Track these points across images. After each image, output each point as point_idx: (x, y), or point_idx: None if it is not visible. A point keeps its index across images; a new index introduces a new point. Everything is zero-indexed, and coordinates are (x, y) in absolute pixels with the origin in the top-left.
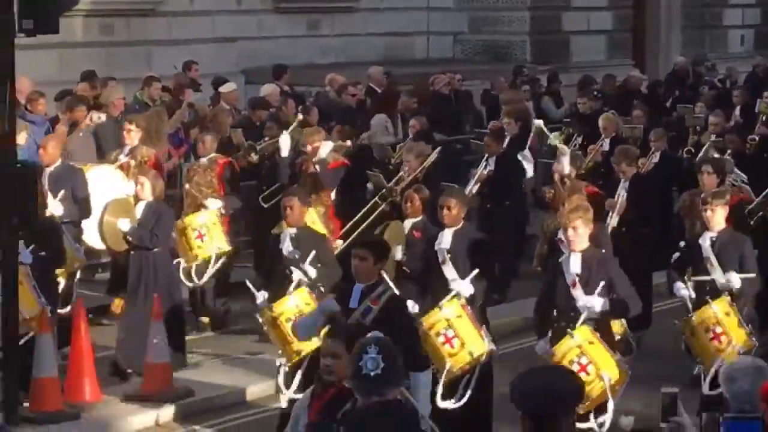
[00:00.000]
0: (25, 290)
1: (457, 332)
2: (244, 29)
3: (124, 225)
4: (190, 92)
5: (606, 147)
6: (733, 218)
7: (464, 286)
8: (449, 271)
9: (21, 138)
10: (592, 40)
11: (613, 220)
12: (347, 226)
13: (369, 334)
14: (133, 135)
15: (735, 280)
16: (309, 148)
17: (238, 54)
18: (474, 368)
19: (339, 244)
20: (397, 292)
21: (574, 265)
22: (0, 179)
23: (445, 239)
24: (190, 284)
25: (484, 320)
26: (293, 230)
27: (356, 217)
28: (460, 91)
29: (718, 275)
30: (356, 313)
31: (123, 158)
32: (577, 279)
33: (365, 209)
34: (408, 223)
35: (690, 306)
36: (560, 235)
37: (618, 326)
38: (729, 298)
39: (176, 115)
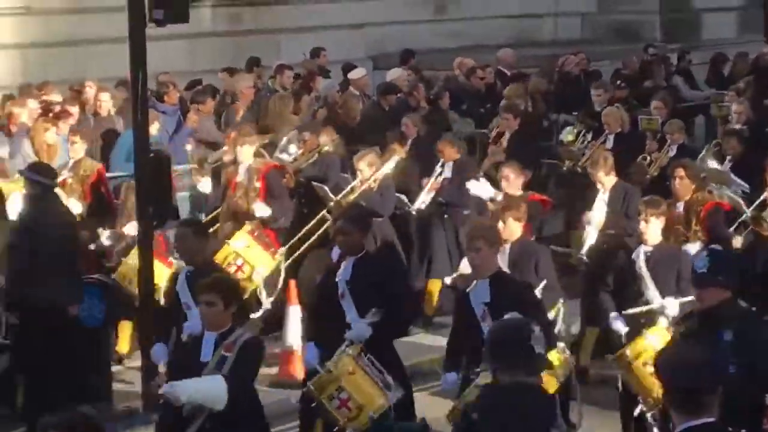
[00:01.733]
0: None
1: (351, 394)
2: (371, 15)
3: None
4: (320, 79)
5: (610, 144)
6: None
7: (360, 329)
8: (348, 307)
9: (153, 128)
10: (723, 17)
11: (590, 237)
12: (292, 241)
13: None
14: (77, 147)
15: (671, 306)
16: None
17: (365, 40)
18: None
19: (278, 259)
20: (251, 335)
21: (482, 293)
22: (136, 167)
23: (345, 270)
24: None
25: (392, 362)
26: None
27: (301, 233)
28: (589, 71)
29: (652, 297)
30: (210, 367)
31: (65, 173)
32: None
33: (310, 224)
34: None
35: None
36: None
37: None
38: (667, 324)
39: (304, 104)
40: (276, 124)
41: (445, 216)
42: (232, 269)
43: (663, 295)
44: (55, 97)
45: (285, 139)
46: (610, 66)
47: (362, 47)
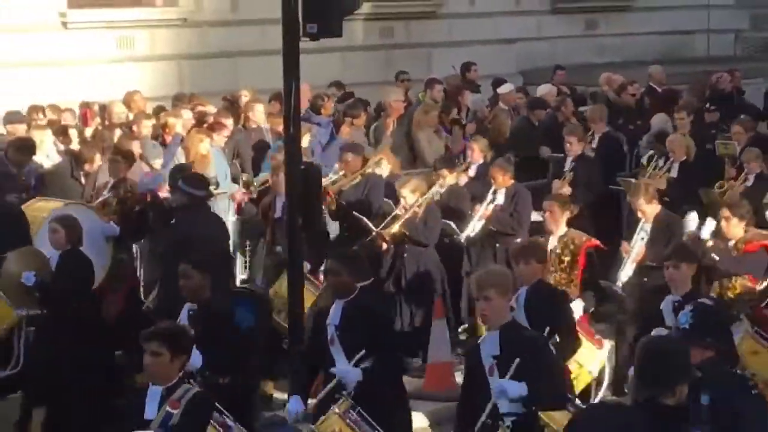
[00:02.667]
0: None
1: None
2: (522, 30)
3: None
4: (467, 93)
5: (674, 172)
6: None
7: (348, 375)
8: (337, 352)
9: (305, 140)
10: None
11: (627, 269)
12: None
13: None
14: (120, 167)
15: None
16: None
17: (516, 55)
18: None
19: None
20: (198, 389)
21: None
22: (286, 180)
23: (334, 313)
24: None
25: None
26: None
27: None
28: (742, 89)
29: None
30: (153, 425)
31: (105, 194)
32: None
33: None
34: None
35: None
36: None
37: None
38: None
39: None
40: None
41: (497, 245)
42: None
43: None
44: (209, 108)
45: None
46: (764, 84)
47: (513, 62)
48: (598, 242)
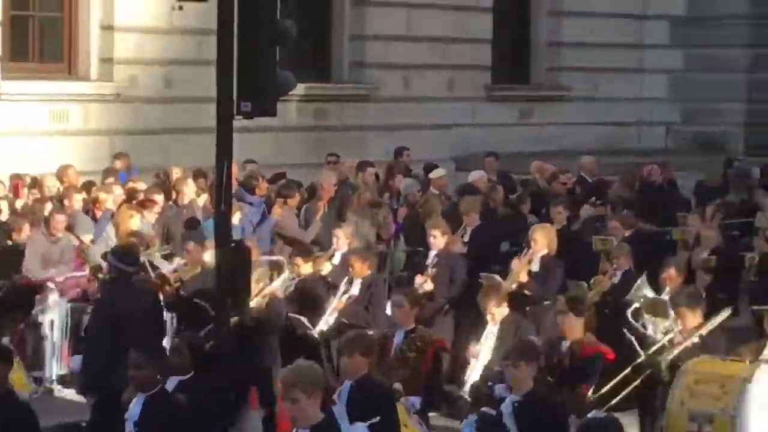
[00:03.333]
0: None
1: None
2: (457, 115)
3: None
4: (400, 177)
5: (617, 279)
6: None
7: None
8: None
9: (235, 218)
10: None
11: (474, 372)
12: None
13: None
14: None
15: None
16: None
17: (450, 140)
18: None
19: None
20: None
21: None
22: (216, 257)
23: (134, 408)
24: None
25: None
26: None
27: None
28: (672, 180)
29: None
30: None
31: None
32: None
33: None
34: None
35: None
36: None
37: None
38: None
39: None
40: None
41: None
42: None
43: None
44: (140, 185)
45: None
46: (690, 177)
47: (446, 147)
48: (445, 342)
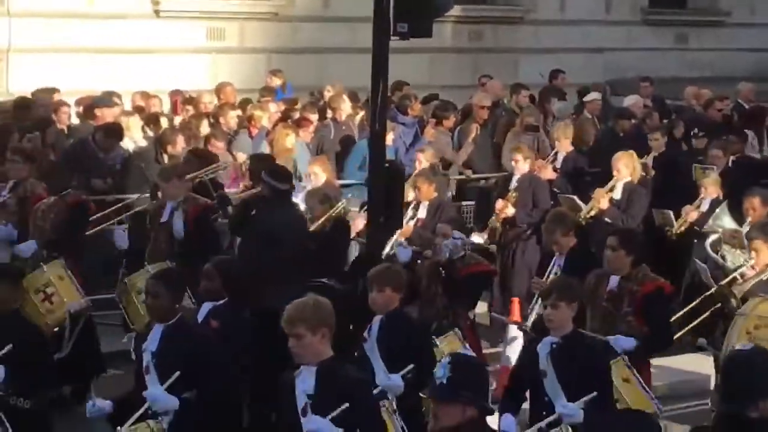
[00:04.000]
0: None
1: None
2: (612, 40)
3: None
4: (554, 101)
5: (705, 207)
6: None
7: (162, 400)
8: (151, 380)
9: (388, 138)
10: None
11: (538, 306)
12: None
13: None
14: (18, 167)
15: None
16: None
17: (604, 64)
18: None
19: None
20: None
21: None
22: (370, 176)
23: (152, 338)
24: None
25: None
26: None
27: None
28: None
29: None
30: None
31: (4, 194)
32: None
33: None
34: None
35: None
36: None
37: None
38: None
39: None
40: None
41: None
42: None
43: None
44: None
45: None
46: None
47: (600, 71)
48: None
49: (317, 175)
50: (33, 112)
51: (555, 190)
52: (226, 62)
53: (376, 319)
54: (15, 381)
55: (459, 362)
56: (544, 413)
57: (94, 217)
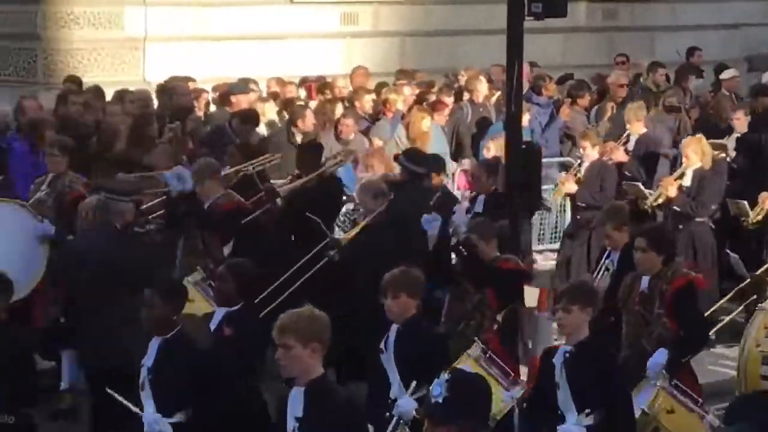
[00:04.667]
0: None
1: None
2: (748, 15)
3: None
4: (691, 78)
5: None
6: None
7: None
8: (146, 398)
9: (524, 119)
10: None
11: None
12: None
13: None
14: (57, 160)
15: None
16: None
17: (742, 40)
18: None
19: None
20: None
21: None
22: (507, 157)
23: (149, 352)
24: None
25: None
26: None
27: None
28: None
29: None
30: None
31: (43, 189)
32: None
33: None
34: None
35: None
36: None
37: None
38: None
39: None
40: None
41: None
42: None
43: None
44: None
45: None
46: None
47: (738, 47)
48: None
49: (374, 167)
50: (174, 100)
51: (626, 173)
52: (359, 46)
53: (393, 328)
54: None
55: (458, 381)
56: (557, 428)
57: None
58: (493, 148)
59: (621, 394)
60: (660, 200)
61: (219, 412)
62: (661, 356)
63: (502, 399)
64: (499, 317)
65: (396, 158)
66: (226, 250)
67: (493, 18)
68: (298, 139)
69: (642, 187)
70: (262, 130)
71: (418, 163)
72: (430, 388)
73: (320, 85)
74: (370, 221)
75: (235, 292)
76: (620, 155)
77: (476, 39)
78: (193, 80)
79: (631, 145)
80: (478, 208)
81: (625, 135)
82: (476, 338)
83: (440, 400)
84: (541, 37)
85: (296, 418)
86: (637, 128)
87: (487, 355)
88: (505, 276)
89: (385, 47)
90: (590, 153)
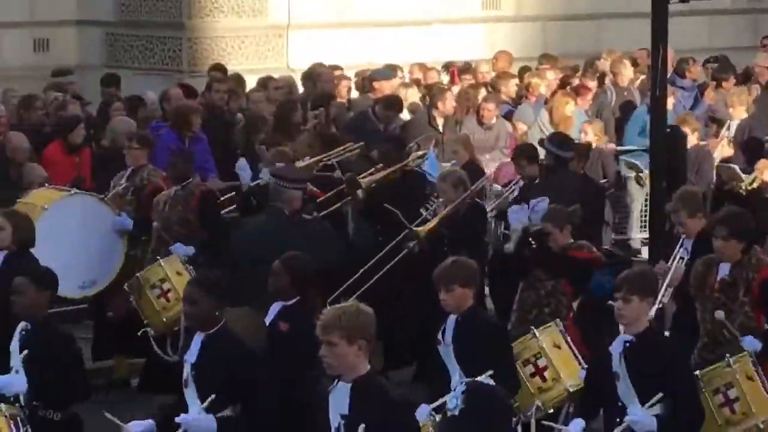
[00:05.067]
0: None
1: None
2: None
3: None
4: None
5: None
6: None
7: (200, 425)
8: (191, 396)
9: (668, 103)
10: None
11: (665, 296)
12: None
13: None
14: (136, 153)
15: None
16: None
17: None
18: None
19: None
20: None
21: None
22: (652, 141)
23: (192, 349)
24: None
25: None
26: None
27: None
28: None
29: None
30: None
31: (122, 183)
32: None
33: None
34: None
35: None
36: None
37: None
38: None
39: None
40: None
41: None
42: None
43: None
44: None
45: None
46: None
47: None
48: None
49: (458, 153)
50: (318, 87)
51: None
52: (502, 31)
53: (451, 320)
54: (45, 392)
55: (474, 393)
56: (618, 419)
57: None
58: (590, 131)
59: (688, 382)
60: (755, 184)
61: (266, 408)
62: (755, 344)
63: (579, 375)
64: (574, 305)
65: (541, 143)
66: None
67: (636, 1)
68: (439, 122)
69: (738, 170)
70: (405, 115)
71: (564, 148)
72: (446, 399)
73: (463, 70)
74: (450, 211)
75: (291, 287)
76: (726, 150)
77: (619, 22)
78: (340, 68)
79: (731, 132)
80: (516, 194)
81: (726, 124)
82: (557, 320)
83: (456, 413)
84: (685, 20)
85: (341, 415)
86: (738, 113)
87: (566, 339)
88: (578, 265)
89: (528, 32)
90: (690, 139)
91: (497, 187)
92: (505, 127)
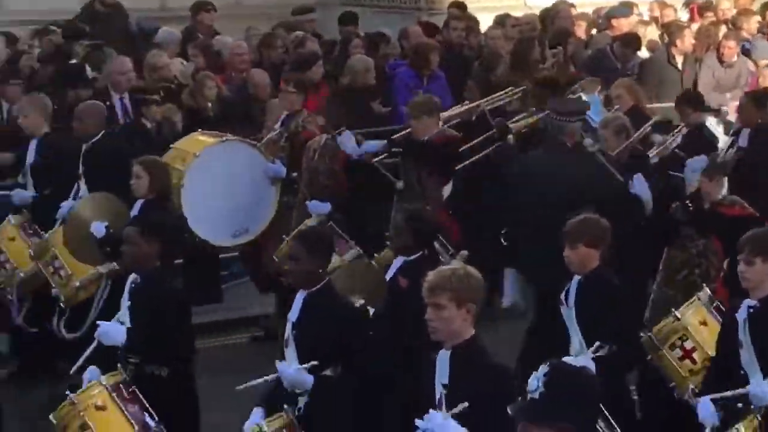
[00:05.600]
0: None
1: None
2: None
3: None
4: None
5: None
6: None
7: (296, 378)
8: (290, 353)
9: None
10: None
11: None
12: None
13: None
14: (291, 98)
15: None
16: None
17: None
18: None
19: None
20: None
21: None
22: None
23: (294, 307)
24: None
25: None
26: None
27: None
28: None
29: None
30: None
31: (276, 128)
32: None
33: None
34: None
35: None
36: None
37: None
38: None
39: None
40: None
41: None
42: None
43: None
44: None
45: None
46: None
47: None
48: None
49: (621, 98)
50: (555, 24)
51: None
52: None
53: (575, 280)
54: (151, 348)
55: (558, 374)
56: (747, 388)
57: None
58: None
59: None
60: None
61: (368, 369)
62: None
63: None
64: (725, 265)
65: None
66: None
67: None
68: (679, 60)
69: None
70: (643, 53)
71: None
72: (529, 381)
73: (703, 7)
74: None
75: (413, 242)
76: None
77: None
78: (573, 6)
79: None
80: (743, 142)
81: None
82: (705, 285)
83: (537, 396)
84: None
85: (443, 384)
86: None
87: (714, 305)
88: (729, 223)
89: None
90: None
91: (658, 137)
92: (746, 65)
